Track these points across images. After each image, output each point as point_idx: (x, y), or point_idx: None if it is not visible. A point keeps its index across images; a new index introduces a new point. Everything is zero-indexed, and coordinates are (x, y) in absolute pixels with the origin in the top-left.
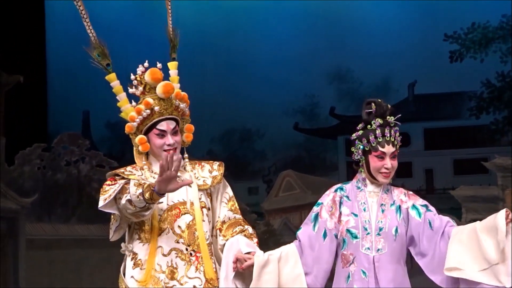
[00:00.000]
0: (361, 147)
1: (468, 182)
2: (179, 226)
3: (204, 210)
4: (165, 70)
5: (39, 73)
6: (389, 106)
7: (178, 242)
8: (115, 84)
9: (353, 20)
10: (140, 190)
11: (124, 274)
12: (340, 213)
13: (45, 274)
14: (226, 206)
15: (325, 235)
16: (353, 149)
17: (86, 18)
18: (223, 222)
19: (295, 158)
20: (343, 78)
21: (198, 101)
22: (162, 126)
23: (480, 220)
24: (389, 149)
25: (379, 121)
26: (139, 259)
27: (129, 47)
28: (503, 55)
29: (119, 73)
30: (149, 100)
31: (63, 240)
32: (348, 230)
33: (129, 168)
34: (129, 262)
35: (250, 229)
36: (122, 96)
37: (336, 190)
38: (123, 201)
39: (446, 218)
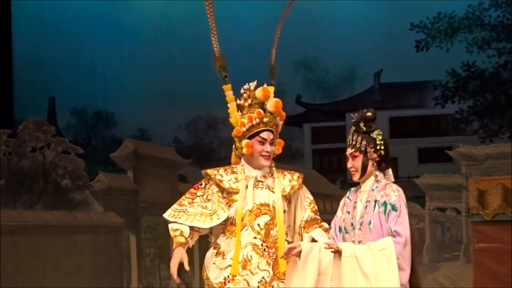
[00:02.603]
0: None
1: (432, 171)
2: (258, 224)
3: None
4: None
5: (4, 60)
6: (368, 114)
7: (255, 238)
8: (229, 93)
9: (320, 9)
10: (172, 235)
11: (207, 264)
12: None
13: (9, 260)
14: (308, 208)
15: (340, 229)
16: None
17: (215, 34)
18: (307, 221)
19: None
20: (309, 67)
21: (165, 90)
22: (264, 135)
23: (443, 208)
24: (348, 151)
25: (352, 129)
26: (222, 250)
27: (95, 33)
28: (468, 44)
29: (86, 59)
30: (261, 111)
31: (28, 226)
32: (344, 226)
33: (221, 170)
34: (211, 251)
35: (325, 225)
36: (233, 105)
37: (347, 191)
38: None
39: (389, 238)
